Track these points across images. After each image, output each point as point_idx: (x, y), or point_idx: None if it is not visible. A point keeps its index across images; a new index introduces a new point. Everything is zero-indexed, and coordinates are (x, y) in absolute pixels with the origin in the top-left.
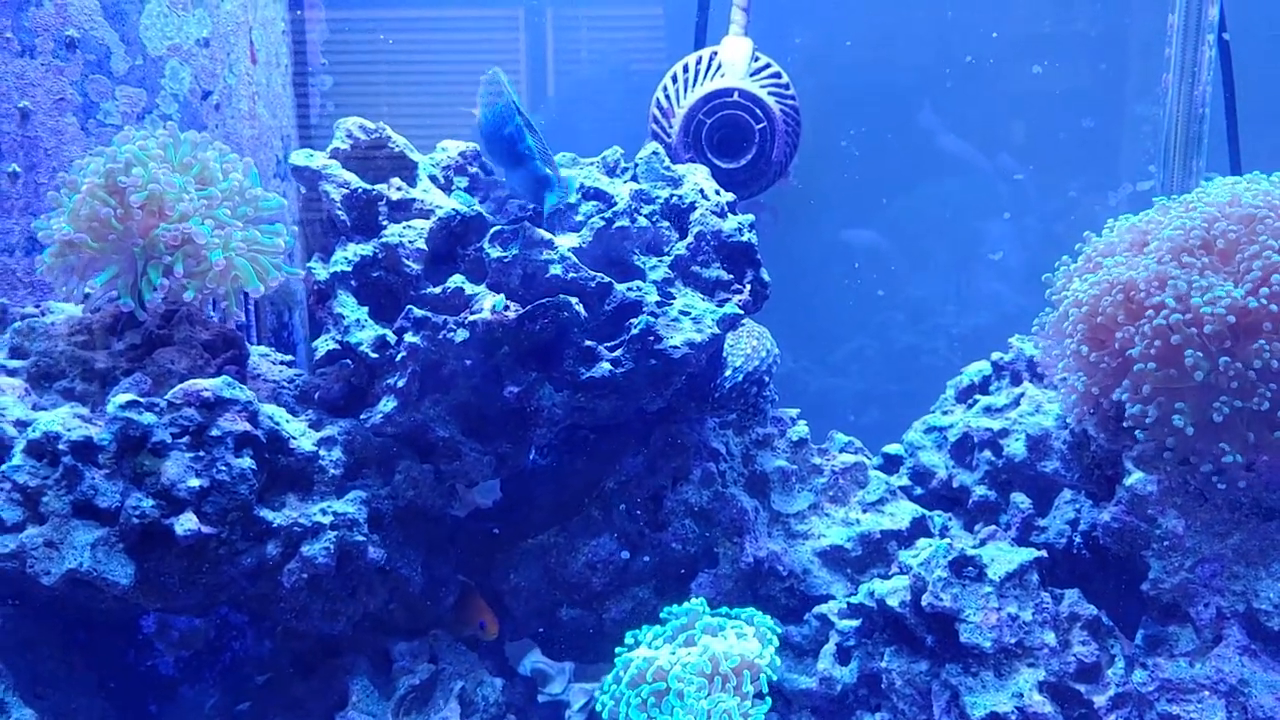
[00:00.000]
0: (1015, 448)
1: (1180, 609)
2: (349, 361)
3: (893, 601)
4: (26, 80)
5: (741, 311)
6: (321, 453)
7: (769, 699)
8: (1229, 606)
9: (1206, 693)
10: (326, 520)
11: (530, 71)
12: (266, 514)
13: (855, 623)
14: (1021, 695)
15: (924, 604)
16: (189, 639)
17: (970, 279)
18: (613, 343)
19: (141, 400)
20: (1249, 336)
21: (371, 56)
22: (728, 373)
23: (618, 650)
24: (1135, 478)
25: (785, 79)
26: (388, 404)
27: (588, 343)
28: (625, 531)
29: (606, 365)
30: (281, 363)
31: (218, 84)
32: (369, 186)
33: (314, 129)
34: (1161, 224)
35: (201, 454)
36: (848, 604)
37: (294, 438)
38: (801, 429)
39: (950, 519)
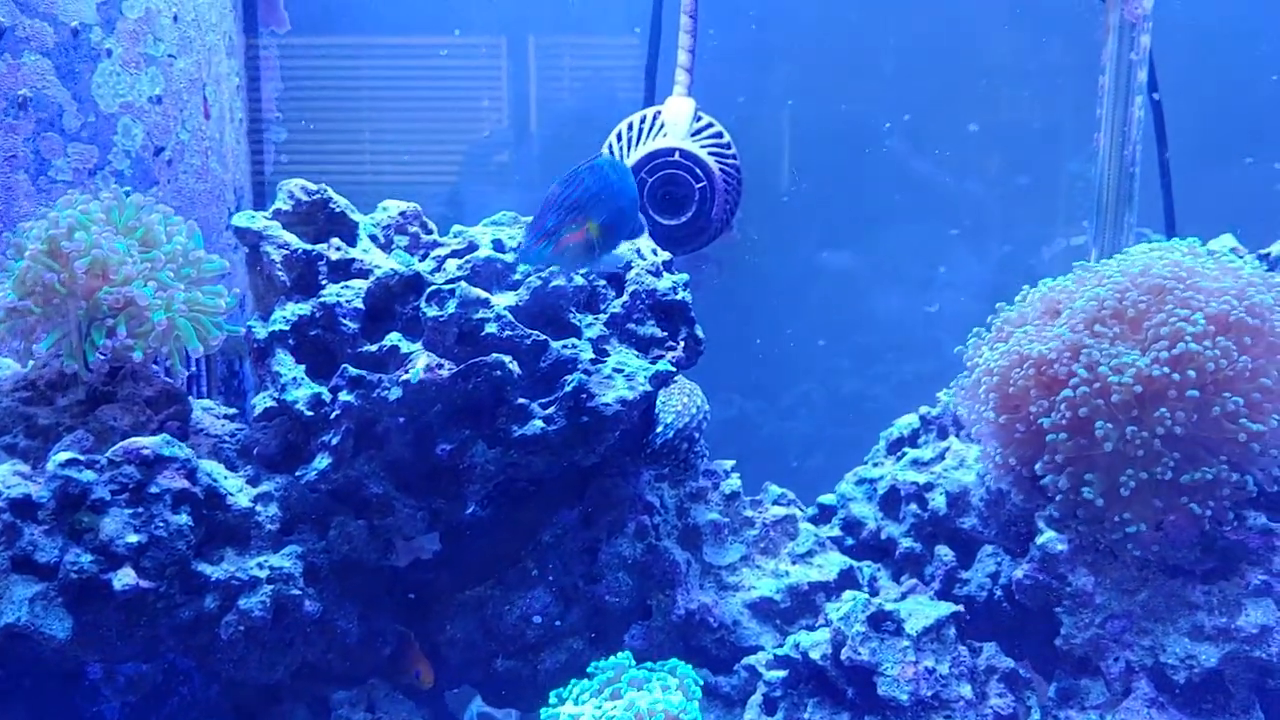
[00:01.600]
0: (939, 502)
1: (1091, 663)
2: (286, 419)
3: (815, 654)
4: None
5: (674, 368)
6: (258, 508)
7: None
8: (1138, 661)
9: None
10: (263, 574)
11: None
12: (204, 568)
13: (782, 674)
14: None
15: (843, 658)
16: (135, 684)
17: (910, 328)
18: (546, 400)
19: (81, 458)
20: (1154, 404)
21: (330, 104)
22: (659, 429)
23: (542, 710)
24: (1047, 537)
25: (727, 138)
26: (322, 461)
27: (520, 400)
28: (560, 585)
29: (539, 423)
30: (224, 416)
31: (170, 140)
32: (309, 247)
33: (268, 181)
34: (1074, 294)
35: (140, 510)
36: (774, 655)
37: (231, 494)
38: (734, 482)
39: (879, 570)
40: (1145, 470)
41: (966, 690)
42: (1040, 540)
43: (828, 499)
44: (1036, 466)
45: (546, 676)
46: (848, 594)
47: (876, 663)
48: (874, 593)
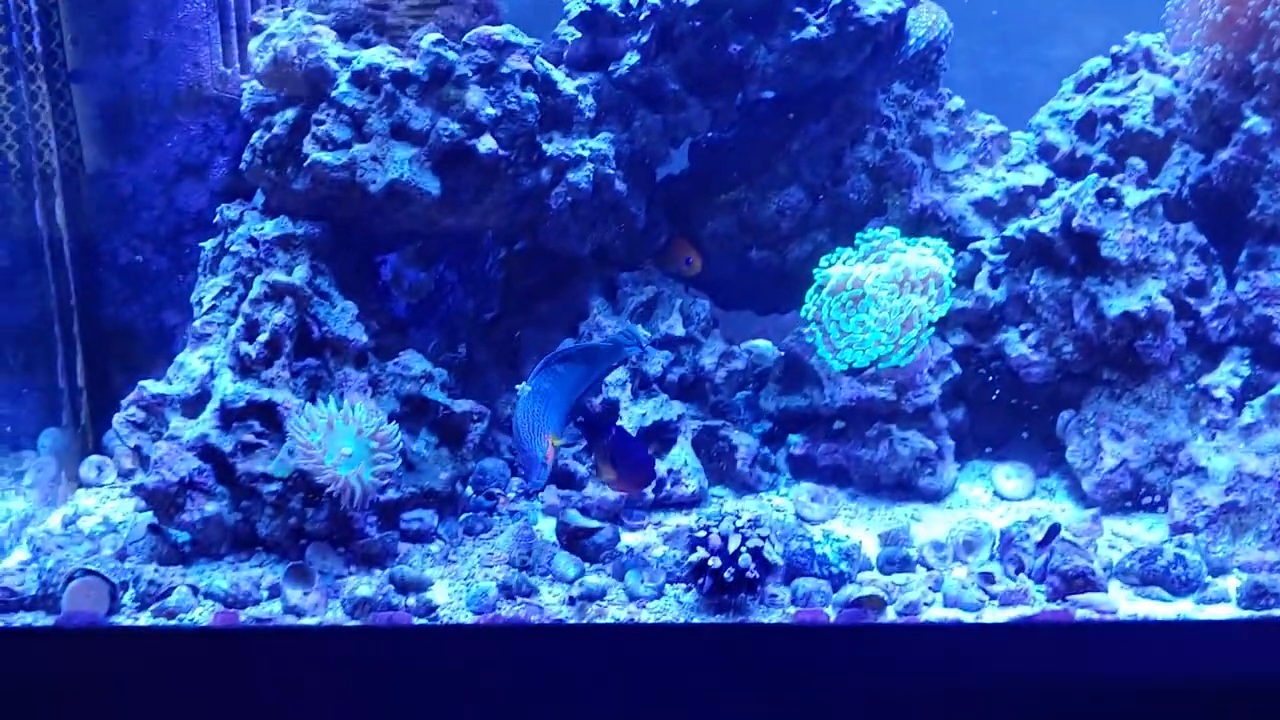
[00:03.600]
0: (1133, 120)
1: (1278, 232)
2: (595, 24)
3: (1044, 228)
4: None
5: None
6: (579, 97)
7: (950, 298)
8: None
9: None
10: (585, 153)
11: None
12: (542, 143)
13: (1004, 256)
14: (1150, 298)
15: (1074, 225)
16: (416, 289)
17: (1057, 11)
18: (816, 11)
19: (446, 40)
20: None
21: None
22: (911, 41)
23: (815, 271)
24: (1252, 122)
25: None
26: (631, 58)
27: (798, 9)
28: (809, 184)
29: (813, 29)
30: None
31: None
32: None
33: None
34: None
35: (494, 88)
36: (1000, 239)
37: (560, 82)
38: (958, 102)
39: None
40: None
41: (1170, 257)
42: (1246, 125)
43: (1017, 135)
44: (1251, 57)
45: (794, 264)
46: (1058, 191)
47: (1101, 229)
48: None
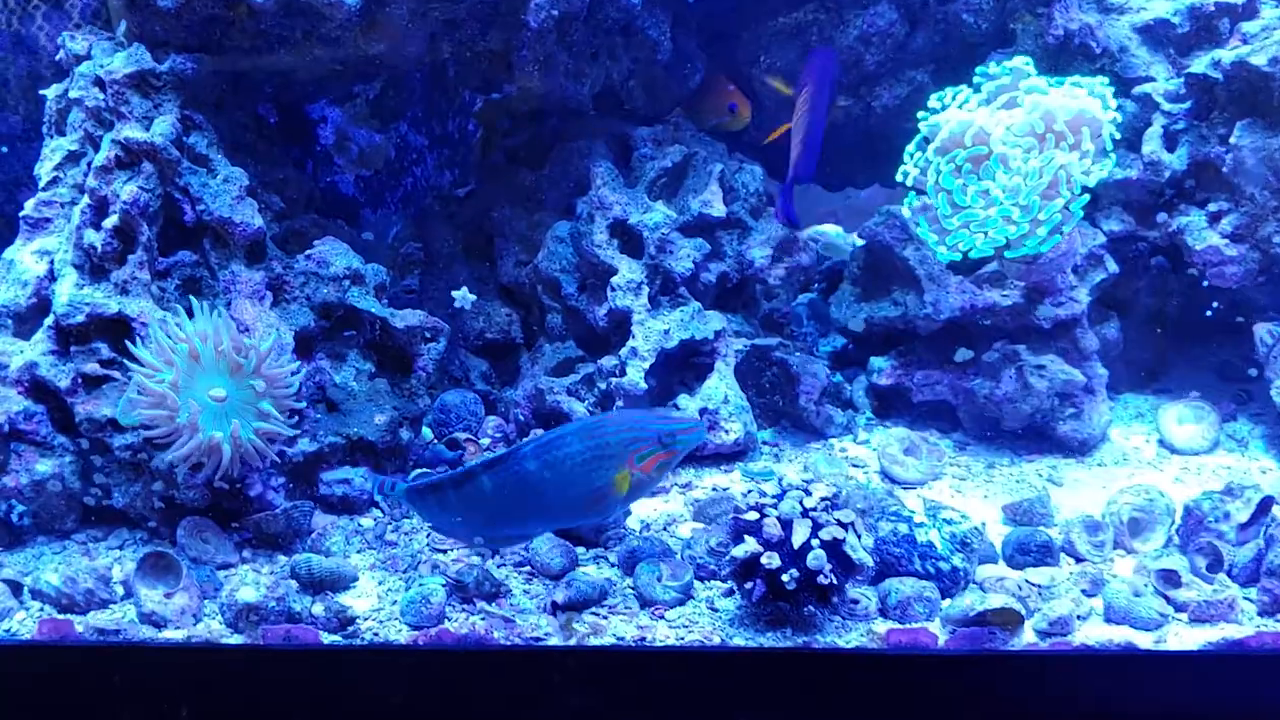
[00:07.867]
0: None
1: None
2: None
3: (1255, 60)
4: None
5: None
6: None
7: (1113, 156)
8: None
9: None
10: None
11: None
12: None
13: (1187, 104)
14: None
15: None
16: (369, 157)
17: None
18: None
19: None
20: None
21: None
22: None
23: (919, 115)
24: None
25: None
26: None
27: None
28: (905, 2)
29: None
30: None
31: None
32: None
33: None
34: None
35: None
36: (1181, 79)
37: None
38: None
39: None
40: None
41: None
42: None
43: None
44: None
45: (882, 115)
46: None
47: None
48: None
